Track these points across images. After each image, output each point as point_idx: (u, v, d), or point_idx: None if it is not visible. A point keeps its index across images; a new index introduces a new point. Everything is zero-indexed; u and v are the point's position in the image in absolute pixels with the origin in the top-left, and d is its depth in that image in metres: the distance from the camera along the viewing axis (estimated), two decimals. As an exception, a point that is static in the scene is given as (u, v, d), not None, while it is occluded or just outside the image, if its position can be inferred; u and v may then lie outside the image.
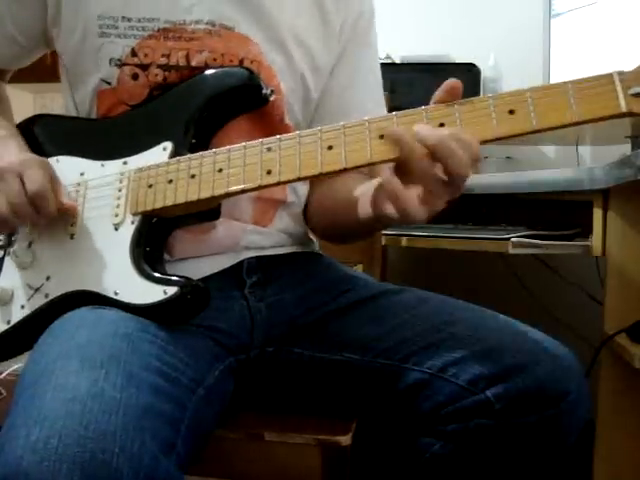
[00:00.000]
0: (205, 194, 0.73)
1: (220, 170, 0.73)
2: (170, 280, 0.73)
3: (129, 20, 0.82)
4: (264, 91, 0.79)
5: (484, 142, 0.64)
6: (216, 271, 0.85)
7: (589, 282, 1.70)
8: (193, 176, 0.74)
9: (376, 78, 0.98)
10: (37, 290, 0.79)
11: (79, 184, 0.82)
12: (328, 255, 1.00)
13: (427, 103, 0.68)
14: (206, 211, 0.78)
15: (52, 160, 0.83)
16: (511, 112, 0.63)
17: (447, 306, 0.83)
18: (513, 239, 1.20)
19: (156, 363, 0.68)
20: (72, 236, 0.80)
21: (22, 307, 0.80)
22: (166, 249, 0.82)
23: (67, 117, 0.90)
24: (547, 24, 1.80)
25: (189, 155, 0.76)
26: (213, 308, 0.80)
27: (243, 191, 0.72)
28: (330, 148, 0.68)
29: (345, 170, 0.68)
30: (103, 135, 0.84)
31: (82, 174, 0.83)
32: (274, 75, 0.87)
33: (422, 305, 0.83)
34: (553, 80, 1.81)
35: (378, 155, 0.66)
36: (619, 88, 0.59)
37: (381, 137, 0.66)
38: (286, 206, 0.92)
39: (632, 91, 0.59)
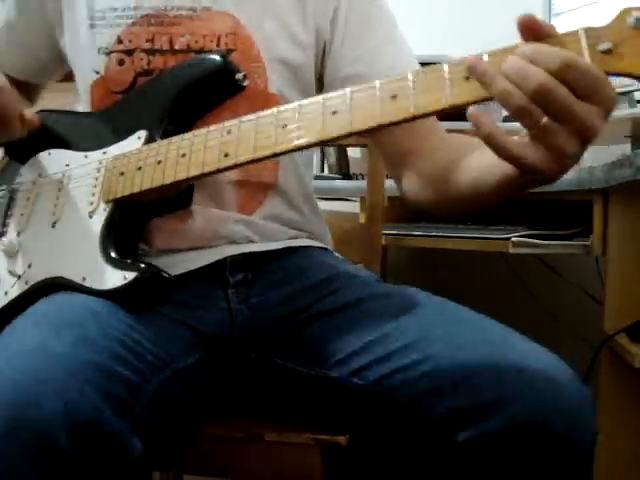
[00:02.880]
0: (168, 179, 0.74)
1: (183, 155, 0.74)
2: (131, 266, 0.74)
3: (115, 10, 0.86)
4: (237, 76, 0.80)
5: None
6: (199, 266, 0.84)
7: (589, 282, 1.70)
8: (159, 162, 0.75)
9: (396, 47, 0.92)
10: (19, 277, 0.81)
11: (63, 175, 0.85)
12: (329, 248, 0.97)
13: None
14: (176, 198, 0.80)
15: (44, 153, 0.87)
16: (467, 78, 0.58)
17: (430, 318, 0.76)
18: (513, 239, 1.20)
19: (118, 334, 0.68)
20: (54, 224, 0.82)
21: (5, 294, 0.81)
22: (145, 240, 0.83)
23: (62, 111, 0.92)
24: (547, 24, 1.80)
25: (159, 142, 0.78)
26: (192, 306, 0.81)
27: (203, 175, 0.73)
28: (284, 127, 0.67)
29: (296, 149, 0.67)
30: (89, 127, 0.87)
31: (67, 165, 0.85)
32: (252, 43, 0.86)
33: (404, 315, 0.77)
34: (553, 80, 1.82)
35: (334, 131, 0.64)
36: (584, 44, 0.54)
37: (334, 113, 0.64)
38: (277, 190, 0.89)
39: (600, 47, 0.53)
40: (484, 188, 0.71)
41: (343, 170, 1.84)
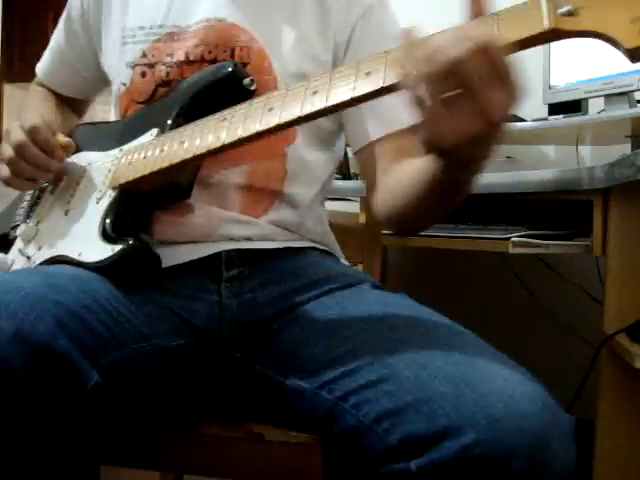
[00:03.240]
0: (165, 163, 0.79)
1: (182, 142, 0.79)
2: (121, 240, 0.79)
3: (143, 29, 0.93)
4: (244, 81, 0.84)
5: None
6: (193, 259, 0.85)
7: (589, 282, 1.70)
8: (162, 150, 0.81)
9: None
10: (29, 258, 0.88)
11: (84, 171, 0.92)
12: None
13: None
14: (177, 188, 0.85)
15: (72, 158, 0.95)
16: None
17: (403, 331, 0.74)
18: (513, 239, 1.20)
19: (96, 295, 0.71)
20: (66, 212, 0.89)
21: None
22: (146, 231, 0.86)
23: (93, 122, 1.03)
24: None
25: (166, 134, 0.84)
26: (183, 296, 0.82)
27: (195, 158, 0.77)
28: (271, 110, 0.71)
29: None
30: (112, 133, 0.94)
31: (89, 163, 0.93)
32: (265, 57, 0.89)
33: (378, 327, 0.76)
34: (553, 80, 1.82)
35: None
36: (545, 8, 0.57)
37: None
38: (285, 197, 0.90)
39: (561, 10, 0.56)
40: (423, 189, 0.75)
41: (343, 170, 1.84)
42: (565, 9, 0.56)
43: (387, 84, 0.63)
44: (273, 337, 0.82)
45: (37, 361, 0.62)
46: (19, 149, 0.85)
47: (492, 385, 0.63)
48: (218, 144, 0.75)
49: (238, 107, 0.76)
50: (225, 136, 0.74)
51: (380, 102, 0.70)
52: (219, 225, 0.87)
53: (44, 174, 0.88)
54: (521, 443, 0.60)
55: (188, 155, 0.77)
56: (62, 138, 0.90)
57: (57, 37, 1.07)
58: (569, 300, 1.81)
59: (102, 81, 1.05)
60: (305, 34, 0.91)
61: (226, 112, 0.77)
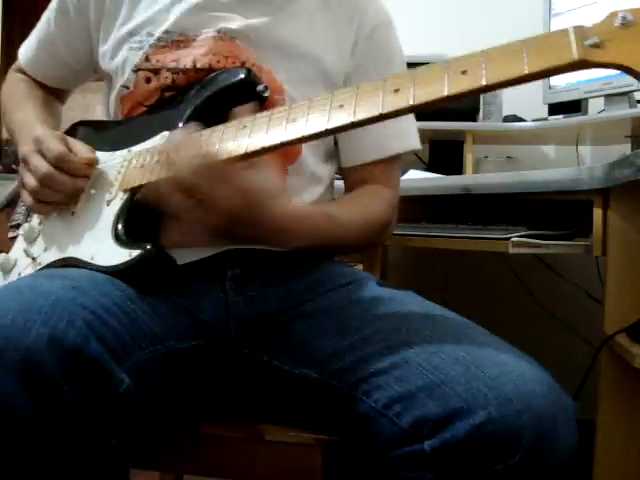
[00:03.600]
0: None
1: None
2: (137, 245, 0.78)
3: (152, 35, 0.92)
4: (259, 87, 0.83)
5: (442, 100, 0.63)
6: (197, 259, 0.85)
7: (589, 282, 1.70)
8: None
9: None
10: (34, 259, 0.87)
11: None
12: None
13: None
14: None
15: None
16: (464, 72, 0.62)
17: (413, 322, 0.76)
18: (513, 239, 1.20)
19: (114, 297, 0.72)
20: (73, 213, 0.87)
21: (19, 275, 0.88)
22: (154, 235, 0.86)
23: (98, 121, 1.00)
24: (547, 24, 1.80)
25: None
26: (192, 295, 0.83)
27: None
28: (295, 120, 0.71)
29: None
30: (119, 132, 0.93)
31: (97, 162, 0.90)
32: (274, 78, 0.90)
33: (388, 318, 0.78)
34: (553, 80, 1.82)
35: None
36: (573, 39, 0.59)
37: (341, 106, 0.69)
38: None
39: (588, 42, 0.59)
40: None
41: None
42: (592, 41, 0.59)
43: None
44: (281, 330, 0.83)
45: (72, 364, 0.62)
46: (45, 181, 0.84)
47: (502, 368, 0.66)
48: (241, 151, 0.73)
49: (259, 115, 0.75)
50: (246, 144, 0.73)
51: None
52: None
53: (72, 197, 0.87)
54: (531, 422, 0.62)
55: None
56: (84, 154, 0.87)
57: (48, 27, 1.03)
58: (569, 300, 1.81)
59: (89, 74, 1.04)
60: (321, 59, 0.92)
61: (245, 120, 0.75)
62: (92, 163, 0.87)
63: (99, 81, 1.03)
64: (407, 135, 0.99)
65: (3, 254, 0.92)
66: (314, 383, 0.77)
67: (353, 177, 0.98)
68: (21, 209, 0.97)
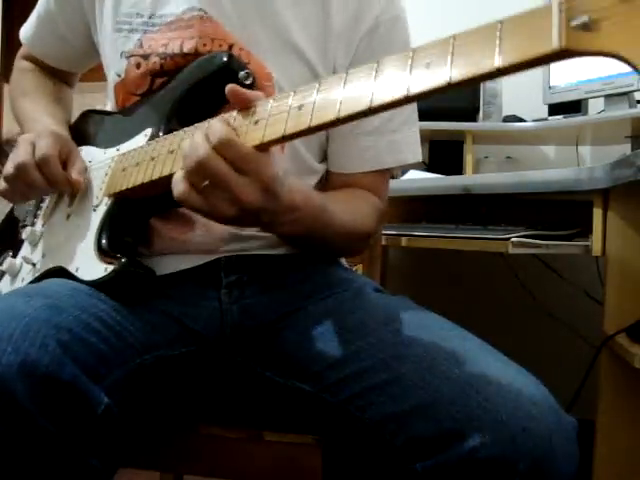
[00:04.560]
0: (156, 175, 0.74)
1: (172, 151, 0.74)
2: (114, 259, 0.76)
3: (142, 17, 0.88)
4: (240, 74, 0.78)
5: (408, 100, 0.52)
6: (192, 266, 0.84)
7: (589, 282, 1.70)
8: (153, 158, 0.76)
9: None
10: (34, 265, 0.87)
11: (86, 170, 0.88)
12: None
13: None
14: (171, 194, 0.80)
15: (79, 149, 0.90)
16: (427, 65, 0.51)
17: (407, 335, 0.74)
18: (513, 239, 1.20)
19: (97, 311, 0.71)
20: (68, 217, 0.87)
21: (22, 280, 0.87)
22: (145, 244, 0.85)
23: (98, 111, 0.98)
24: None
25: (157, 139, 0.79)
26: (184, 303, 0.82)
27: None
28: (256, 122, 0.64)
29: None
30: (112, 126, 0.91)
31: (90, 161, 0.89)
32: (264, 66, 0.86)
33: (382, 330, 0.75)
34: (553, 81, 1.82)
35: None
36: (556, 19, 0.44)
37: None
38: None
39: (575, 22, 0.43)
40: None
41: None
42: (580, 21, 0.43)
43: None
44: (274, 340, 0.82)
45: (45, 391, 0.61)
46: (20, 169, 0.82)
47: (497, 387, 0.63)
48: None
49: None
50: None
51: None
52: (220, 242, 0.85)
53: (37, 196, 0.87)
54: (527, 445, 0.60)
55: (176, 168, 0.70)
56: (74, 175, 0.84)
57: (47, 5, 1.00)
58: (569, 300, 1.81)
59: (90, 55, 1.00)
60: (302, 53, 0.87)
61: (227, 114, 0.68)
62: (74, 185, 0.84)
63: (99, 81, 1.01)
64: (404, 148, 0.93)
65: (9, 259, 0.91)
66: (307, 396, 0.76)
67: (339, 180, 0.93)
68: (29, 208, 0.96)
